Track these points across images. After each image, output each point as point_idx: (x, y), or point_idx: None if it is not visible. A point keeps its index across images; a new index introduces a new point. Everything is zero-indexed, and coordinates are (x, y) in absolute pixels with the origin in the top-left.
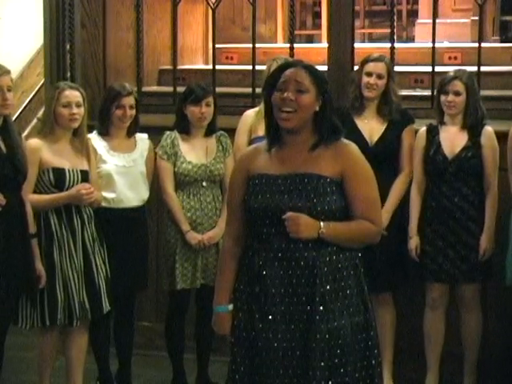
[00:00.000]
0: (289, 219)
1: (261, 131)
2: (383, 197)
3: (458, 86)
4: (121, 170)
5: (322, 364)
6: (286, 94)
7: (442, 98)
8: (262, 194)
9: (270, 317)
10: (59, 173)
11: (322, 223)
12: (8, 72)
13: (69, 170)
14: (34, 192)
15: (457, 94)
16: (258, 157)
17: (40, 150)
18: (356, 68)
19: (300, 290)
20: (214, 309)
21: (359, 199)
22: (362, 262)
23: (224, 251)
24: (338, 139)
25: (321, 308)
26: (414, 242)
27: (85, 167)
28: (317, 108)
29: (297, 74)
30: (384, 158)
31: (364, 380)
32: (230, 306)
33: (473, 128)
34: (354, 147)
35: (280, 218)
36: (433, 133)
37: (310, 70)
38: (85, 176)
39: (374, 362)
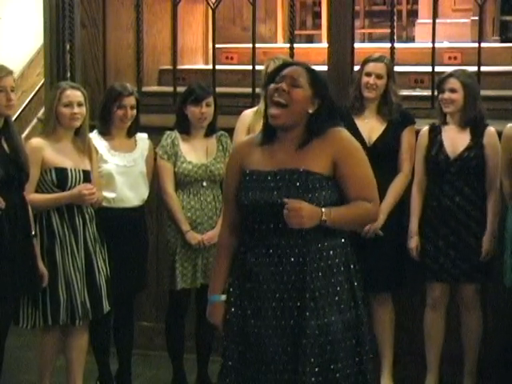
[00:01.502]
0: (291, 210)
1: (259, 131)
2: (381, 196)
3: (454, 83)
4: (121, 170)
5: (312, 360)
6: (279, 85)
7: (440, 96)
8: (252, 190)
9: (262, 312)
10: (61, 172)
11: (323, 210)
12: (11, 73)
13: (71, 170)
14: (36, 192)
15: (452, 91)
16: (251, 151)
17: (42, 150)
18: (356, 68)
19: (290, 286)
20: (208, 299)
21: (354, 180)
22: (355, 259)
23: (220, 242)
24: (330, 127)
25: (311, 304)
26: (414, 241)
27: (87, 167)
28: (310, 110)
29: (294, 71)
30: (382, 158)
31: (355, 376)
32: (223, 297)
33: (475, 128)
34: (344, 132)
35: (270, 215)
36: (435, 132)
37: (310, 71)
38: (87, 176)
39: (365, 358)
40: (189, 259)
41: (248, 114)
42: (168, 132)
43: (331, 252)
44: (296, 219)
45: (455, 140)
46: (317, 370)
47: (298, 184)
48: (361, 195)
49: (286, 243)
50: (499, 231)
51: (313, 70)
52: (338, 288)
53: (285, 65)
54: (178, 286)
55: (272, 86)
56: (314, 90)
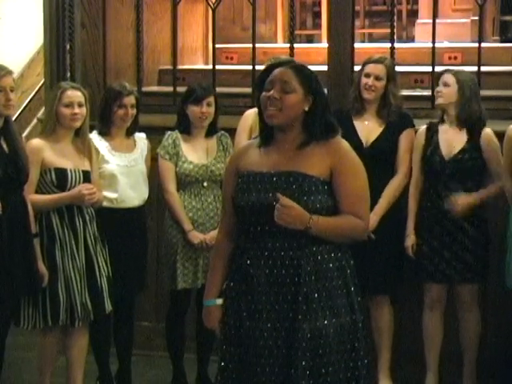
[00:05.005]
0: (282, 207)
1: None
2: (376, 198)
3: (448, 77)
4: (123, 170)
5: (303, 363)
6: (271, 93)
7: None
8: (248, 191)
9: (257, 315)
10: (61, 173)
11: (312, 217)
12: (10, 73)
13: (71, 171)
14: (36, 192)
15: (445, 85)
16: (249, 153)
17: (42, 150)
18: (356, 68)
19: (285, 288)
20: (203, 302)
21: (347, 193)
22: (352, 263)
23: (215, 246)
24: (332, 137)
25: (304, 307)
26: (410, 240)
27: (87, 167)
28: (306, 108)
29: (283, 74)
30: (379, 160)
31: (349, 381)
32: (219, 301)
33: (471, 129)
34: (345, 143)
35: (266, 216)
36: (431, 132)
37: (298, 69)
38: (87, 176)
39: (360, 363)
40: (190, 259)
41: (250, 113)
42: (169, 132)
43: (326, 256)
44: (283, 216)
45: (451, 141)
46: (308, 373)
47: (294, 186)
48: (352, 210)
49: (280, 245)
50: (499, 232)
51: (300, 67)
52: (333, 292)
53: (272, 66)
54: (178, 285)
55: (264, 94)
56: (306, 87)
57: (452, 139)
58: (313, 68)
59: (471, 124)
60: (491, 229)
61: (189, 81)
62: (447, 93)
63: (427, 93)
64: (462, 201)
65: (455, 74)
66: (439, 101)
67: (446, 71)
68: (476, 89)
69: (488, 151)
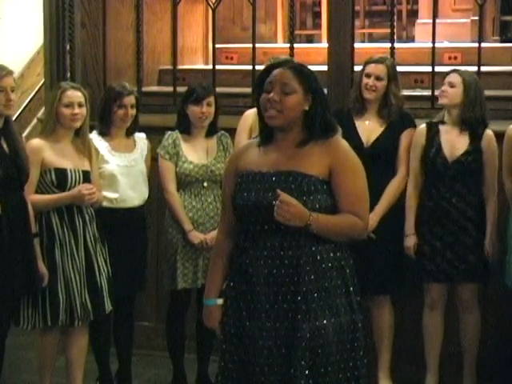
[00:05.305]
0: (281, 203)
1: None
2: (376, 198)
3: (454, 77)
4: (123, 171)
5: (303, 363)
6: (270, 95)
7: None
8: (247, 191)
9: (256, 314)
10: (61, 173)
11: (311, 214)
12: (11, 73)
13: (71, 171)
14: (36, 192)
15: (451, 85)
16: (248, 153)
17: (42, 150)
18: (356, 68)
19: (284, 288)
20: (203, 302)
21: (347, 193)
22: (351, 263)
23: (215, 245)
24: (331, 136)
25: (303, 307)
26: (410, 240)
27: (86, 167)
28: (306, 107)
29: (282, 75)
30: (379, 160)
31: (349, 381)
32: (219, 300)
33: (474, 132)
34: (344, 143)
35: (265, 216)
36: (432, 132)
37: (297, 69)
38: (86, 176)
39: (359, 363)
40: (190, 259)
41: (250, 113)
42: (169, 132)
43: (325, 255)
44: (283, 213)
45: (454, 143)
46: (307, 372)
47: (293, 186)
48: (351, 209)
49: (280, 245)
50: (500, 233)
51: (299, 67)
52: (332, 292)
53: (271, 66)
54: (178, 285)
55: (264, 96)
56: (305, 87)
57: (455, 140)
58: (313, 68)
59: (474, 126)
60: None
61: (189, 81)
62: (452, 93)
63: (427, 93)
64: (490, 250)
65: (462, 74)
66: (444, 100)
67: (452, 71)
68: (481, 91)
69: (487, 153)
